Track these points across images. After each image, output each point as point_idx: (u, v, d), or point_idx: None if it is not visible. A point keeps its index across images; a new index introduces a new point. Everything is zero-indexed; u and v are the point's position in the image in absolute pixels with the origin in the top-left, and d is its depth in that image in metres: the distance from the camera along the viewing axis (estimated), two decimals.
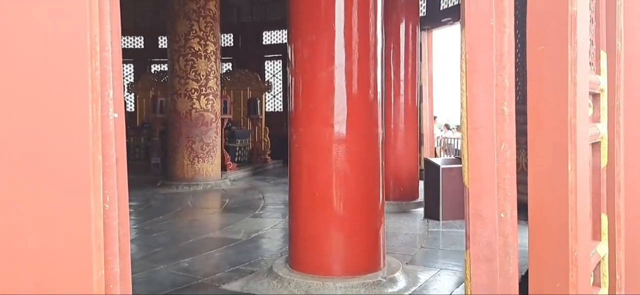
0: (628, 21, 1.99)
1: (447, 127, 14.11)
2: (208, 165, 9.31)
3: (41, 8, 0.69)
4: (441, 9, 10.09)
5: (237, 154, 11.92)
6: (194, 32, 9.08)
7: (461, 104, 1.58)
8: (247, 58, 14.58)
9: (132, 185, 2.18)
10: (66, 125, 0.74)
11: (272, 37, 14.85)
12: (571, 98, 1.44)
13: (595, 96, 1.89)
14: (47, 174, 0.77)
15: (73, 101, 0.69)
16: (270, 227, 6.22)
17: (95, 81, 0.67)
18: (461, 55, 1.57)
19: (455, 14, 9.18)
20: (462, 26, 1.55)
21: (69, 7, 0.68)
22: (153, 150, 11.21)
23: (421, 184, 6.99)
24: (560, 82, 1.43)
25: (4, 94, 0.73)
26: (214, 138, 9.42)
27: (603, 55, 1.94)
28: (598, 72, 1.91)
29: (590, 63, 1.82)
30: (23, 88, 0.74)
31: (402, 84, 7.24)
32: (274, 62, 14.93)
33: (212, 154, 9.37)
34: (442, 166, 6.21)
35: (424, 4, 10.21)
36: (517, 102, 1.54)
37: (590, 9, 1.80)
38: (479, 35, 1.51)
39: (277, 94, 14.73)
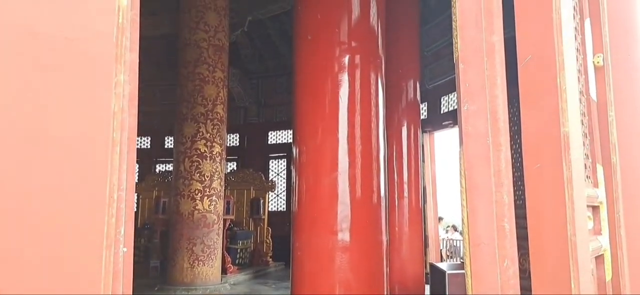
0: (621, 135, 2.06)
1: (454, 228, 13.98)
2: (208, 268, 9.16)
3: (68, 166, 0.74)
4: (441, 112, 10.38)
5: (238, 255, 11.76)
6: (201, 134, 9.30)
7: (462, 219, 1.61)
8: (252, 157, 14.81)
9: None
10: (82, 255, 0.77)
11: (278, 136, 15.17)
12: (570, 215, 1.47)
13: (594, 209, 1.91)
14: None
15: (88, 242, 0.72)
16: None
17: (110, 228, 0.71)
18: (460, 172, 1.62)
19: (455, 117, 9.43)
20: (461, 144, 1.61)
21: (92, 160, 0.73)
22: (153, 252, 11.08)
23: (427, 288, 6.83)
24: (558, 200, 1.47)
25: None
26: (216, 240, 9.34)
27: (599, 169, 1.99)
28: (596, 185, 1.95)
29: (587, 176, 1.87)
30: (39, 243, 0.77)
31: (405, 186, 7.30)
32: (278, 161, 15.14)
33: (212, 256, 9.25)
34: (447, 272, 6.10)
35: (425, 107, 10.52)
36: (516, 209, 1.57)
37: (582, 124, 1.87)
38: (476, 154, 1.57)
39: (281, 193, 14.78)
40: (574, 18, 2.12)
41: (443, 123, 10.30)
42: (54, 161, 0.71)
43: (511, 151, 1.70)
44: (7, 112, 0.68)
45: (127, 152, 0.77)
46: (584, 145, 1.82)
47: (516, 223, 1.55)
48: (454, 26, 1.90)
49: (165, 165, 14.51)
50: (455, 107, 9.94)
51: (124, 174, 0.75)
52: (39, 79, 0.71)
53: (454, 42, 1.93)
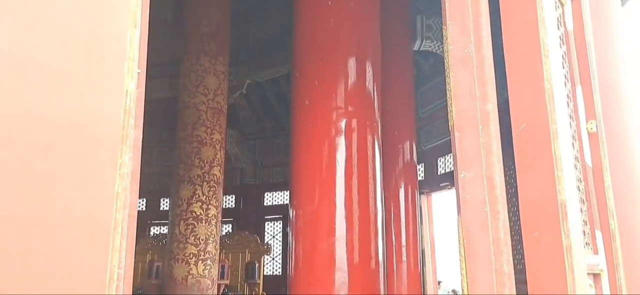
0: (618, 201, 2.06)
1: (454, 292, 13.68)
2: None
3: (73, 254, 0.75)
4: (438, 173, 10.41)
5: None
6: (196, 196, 9.25)
7: (462, 289, 1.59)
8: (248, 219, 14.67)
9: None
10: None
11: (274, 198, 15.10)
12: (571, 284, 1.45)
13: (596, 276, 1.89)
14: None
15: None
16: None
17: None
18: (459, 240, 1.61)
19: (452, 179, 9.44)
20: (458, 212, 1.62)
21: (94, 244, 0.74)
22: None
23: None
24: (558, 269, 1.45)
25: None
26: None
27: (598, 235, 1.98)
28: (595, 251, 1.94)
29: (586, 243, 1.86)
30: None
31: (403, 249, 7.22)
32: (274, 223, 15.00)
33: None
34: None
35: (422, 169, 10.56)
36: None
37: (579, 191, 1.88)
38: (475, 221, 1.57)
39: (277, 257, 14.56)
40: (565, 85, 2.18)
41: (440, 184, 10.31)
42: (56, 245, 0.71)
43: (509, 214, 1.70)
44: (9, 195, 0.69)
45: (128, 228, 0.77)
46: (581, 211, 1.82)
47: (516, 288, 1.53)
48: (448, 95, 1.94)
49: (160, 228, 14.34)
50: (452, 168, 9.96)
51: (123, 252, 0.75)
52: (44, 163, 0.72)
53: (448, 110, 1.96)
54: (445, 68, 2.08)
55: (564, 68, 2.29)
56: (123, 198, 0.77)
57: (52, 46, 0.76)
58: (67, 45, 0.77)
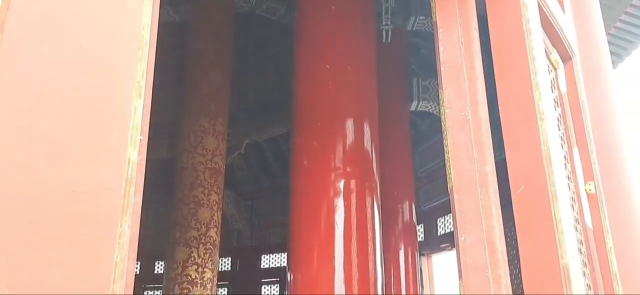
0: (621, 263, 2.04)
1: None
2: None
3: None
4: (438, 234, 10.31)
5: None
6: (192, 259, 9.10)
7: None
8: (244, 283, 14.36)
9: None
10: None
11: (271, 260, 14.85)
12: None
13: None
14: None
15: None
16: None
17: None
18: None
19: (452, 240, 9.35)
20: (460, 277, 1.59)
21: None
22: None
23: None
24: None
25: None
26: None
27: None
28: None
29: None
30: None
31: None
32: (271, 286, 14.68)
33: None
34: None
35: (422, 229, 10.46)
36: None
37: (581, 253, 1.86)
38: (476, 286, 1.54)
39: None
40: (562, 147, 2.20)
41: (441, 245, 10.18)
42: None
43: (511, 277, 1.67)
44: (8, 263, 0.68)
45: None
46: (584, 275, 1.80)
47: None
48: (446, 157, 1.96)
49: (154, 292, 14.01)
50: (452, 229, 9.90)
51: None
52: (42, 232, 0.72)
53: (447, 172, 1.97)
54: (443, 130, 2.10)
55: (559, 130, 2.32)
56: (121, 267, 0.76)
57: (56, 118, 0.77)
58: (71, 117, 0.78)
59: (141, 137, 0.90)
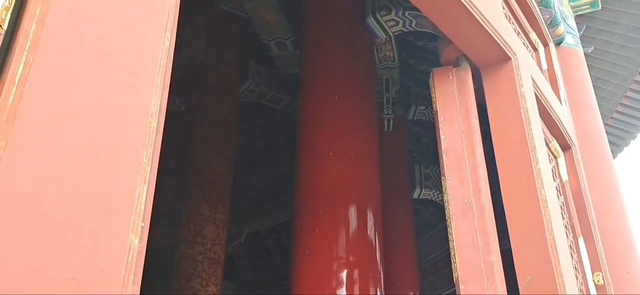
0: None
1: None
2: None
3: None
4: None
5: None
6: None
7: None
8: None
9: None
10: None
11: None
12: None
13: None
14: None
15: None
16: None
17: None
18: None
19: None
20: None
21: None
22: None
23: None
24: None
25: None
26: None
27: None
28: None
29: None
30: None
31: None
32: None
33: None
34: None
35: None
36: None
37: None
38: None
39: None
40: (567, 236, 2.17)
41: None
42: None
43: None
44: None
45: None
46: None
47: None
48: (451, 246, 1.93)
49: None
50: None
51: None
52: None
53: (452, 261, 1.94)
54: (446, 218, 2.09)
55: (563, 218, 2.31)
56: None
57: (60, 200, 0.77)
58: (75, 200, 0.78)
59: (143, 224, 0.89)
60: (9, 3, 0.75)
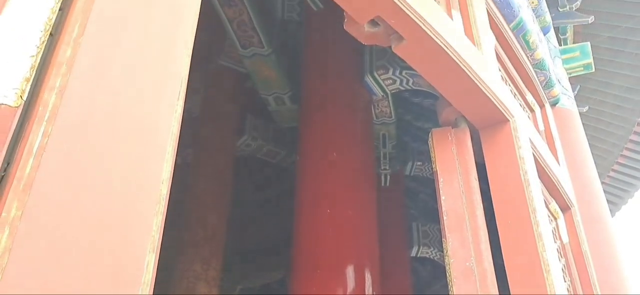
0: None
1: None
2: None
3: None
4: None
5: None
6: None
7: None
8: None
9: None
10: None
11: None
12: None
13: None
14: None
15: None
16: None
17: None
18: None
19: None
20: None
21: None
22: None
23: None
24: None
25: None
26: None
27: None
28: None
29: None
30: None
31: None
32: None
33: None
34: None
35: None
36: None
37: None
38: None
39: None
40: None
41: None
42: None
43: None
44: None
45: None
46: None
47: None
48: None
49: None
50: None
51: None
52: None
53: None
54: (448, 281, 2.07)
55: (565, 282, 2.28)
56: None
57: (66, 272, 0.76)
58: (87, 270, 0.77)
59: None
60: (30, 75, 0.77)
